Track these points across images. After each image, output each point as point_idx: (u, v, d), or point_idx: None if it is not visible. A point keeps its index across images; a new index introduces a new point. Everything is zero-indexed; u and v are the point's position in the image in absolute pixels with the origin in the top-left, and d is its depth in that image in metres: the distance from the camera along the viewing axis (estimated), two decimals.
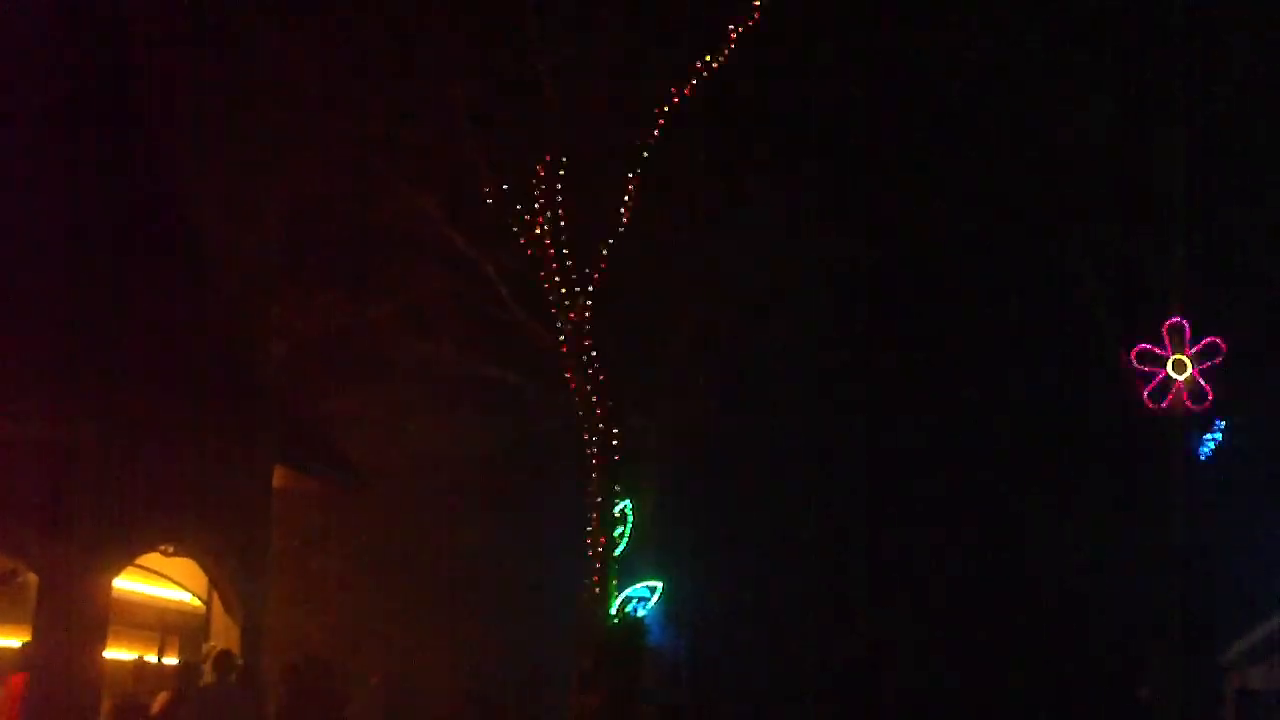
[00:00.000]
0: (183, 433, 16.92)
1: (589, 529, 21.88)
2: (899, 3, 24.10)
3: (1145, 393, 23.02)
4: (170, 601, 18.21)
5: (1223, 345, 22.78)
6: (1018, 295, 27.11)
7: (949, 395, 28.74)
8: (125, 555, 16.25)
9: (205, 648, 17.85)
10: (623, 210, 21.56)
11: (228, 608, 18.07)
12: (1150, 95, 23.47)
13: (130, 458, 16.09)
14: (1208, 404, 23.04)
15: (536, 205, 21.24)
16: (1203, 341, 22.88)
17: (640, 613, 24.83)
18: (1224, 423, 23.50)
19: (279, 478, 19.15)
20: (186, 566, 17.79)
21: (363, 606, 25.26)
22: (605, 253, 21.59)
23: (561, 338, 21.77)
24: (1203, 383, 22.87)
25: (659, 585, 25.05)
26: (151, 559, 17.09)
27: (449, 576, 26.61)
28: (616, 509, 22.31)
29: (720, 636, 28.38)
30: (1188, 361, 22.89)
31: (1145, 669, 24.48)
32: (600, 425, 21.74)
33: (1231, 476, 23.69)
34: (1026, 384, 28.07)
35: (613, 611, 22.09)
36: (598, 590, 21.82)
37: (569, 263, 21.52)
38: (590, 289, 21.61)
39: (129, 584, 16.92)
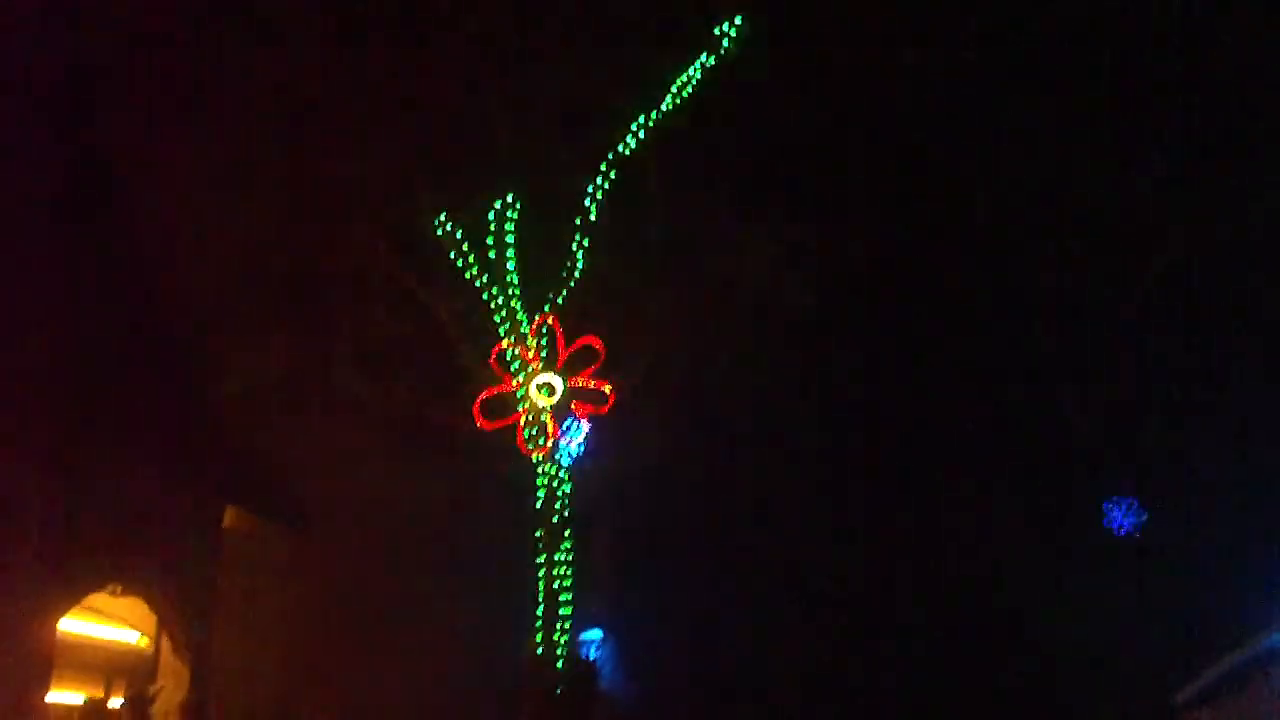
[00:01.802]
0: (131, 471, 16.85)
1: (541, 571, 21.86)
2: (873, 36, 24.25)
3: None
4: (117, 642, 18.08)
5: None
6: (990, 331, 27.22)
7: (913, 428, 28.81)
8: (72, 595, 16.13)
9: (152, 688, 17.75)
10: (577, 250, 21.65)
11: (176, 647, 17.97)
12: (1128, 136, 23.72)
13: (77, 495, 16.00)
14: None
15: (490, 247, 21.33)
16: None
17: (592, 656, 24.75)
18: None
19: (229, 517, 19.10)
20: (134, 606, 17.67)
21: (314, 646, 25.10)
22: (558, 295, 21.67)
23: (514, 381, 21.80)
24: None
25: (611, 629, 24.98)
26: (98, 599, 16.97)
27: (401, 617, 26.47)
28: (569, 550, 22.28)
29: (675, 679, 28.24)
30: None
31: (1097, 708, 24.56)
32: (552, 467, 21.75)
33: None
34: (987, 423, 28.18)
35: (564, 655, 22.02)
36: (550, 633, 21.78)
37: (522, 305, 21.59)
38: (544, 331, 21.66)
39: (75, 624, 16.80)
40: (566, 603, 21.95)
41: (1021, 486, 27.97)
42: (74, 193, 17.54)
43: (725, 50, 21.92)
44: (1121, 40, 23.95)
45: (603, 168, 21.67)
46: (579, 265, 21.76)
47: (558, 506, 21.75)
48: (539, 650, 21.79)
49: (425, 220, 21.57)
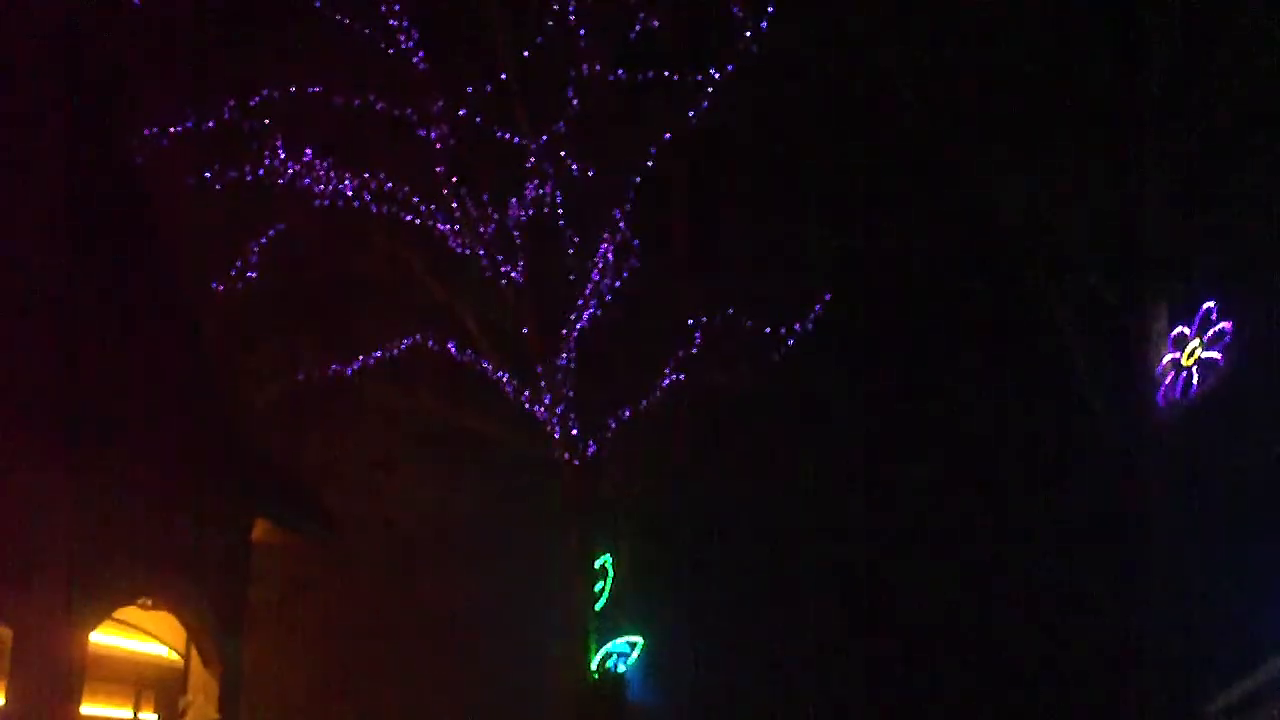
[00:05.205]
0: (161, 484, 16.69)
1: (569, 583, 21.76)
2: (879, 41, 24.10)
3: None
4: (148, 655, 17.94)
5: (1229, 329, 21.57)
6: (1004, 333, 27.10)
7: (935, 427, 28.71)
8: (103, 608, 15.99)
9: (182, 702, 17.62)
10: (601, 260, 21.57)
11: (206, 661, 17.80)
12: (1130, 137, 23.51)
13: (108, 509, 15.85)
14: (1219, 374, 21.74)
15: (518, 254, 21.25)
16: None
17: (620, 668, 24.62)
18: None
19: (259, 530, 18.94)
20: (164, 620, 17.53)
21: (343, 660, 25.02)
22: (585, 302, 21.58)
23: (541, 389, 21.72)
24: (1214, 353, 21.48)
25: (640, 640, 24.83)
26: (128, 612, 16.84)
27: (429, 630, 26.40)
28: (597, 562, 22.15)
29: (705, 690, 28.09)
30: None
31: (1120, 714, 24.31)
32: (580, 477, 21.64)
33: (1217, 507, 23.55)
34: (1013, 419, 28.04)
35: (593, 667, 21.89)
36: (578, 646, 21.67)
37: (549, 313, 21.52)
38: (571, 339, 21.58)
39: (106, 638, 16.67)
40: (597, 613, 21.86)
41: (1052, 488, 27.86)
42: (99, 199, 17.42)
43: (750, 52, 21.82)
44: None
45: (633, 170, 21.58)
46: (607, 272, 21.68)
47: (588, 517, 21.67)
48: (568, 661, 21.71)
49: (455, 227, 21.49)
